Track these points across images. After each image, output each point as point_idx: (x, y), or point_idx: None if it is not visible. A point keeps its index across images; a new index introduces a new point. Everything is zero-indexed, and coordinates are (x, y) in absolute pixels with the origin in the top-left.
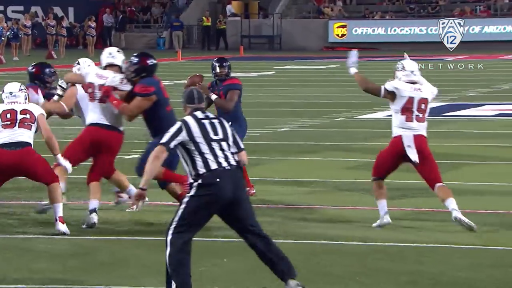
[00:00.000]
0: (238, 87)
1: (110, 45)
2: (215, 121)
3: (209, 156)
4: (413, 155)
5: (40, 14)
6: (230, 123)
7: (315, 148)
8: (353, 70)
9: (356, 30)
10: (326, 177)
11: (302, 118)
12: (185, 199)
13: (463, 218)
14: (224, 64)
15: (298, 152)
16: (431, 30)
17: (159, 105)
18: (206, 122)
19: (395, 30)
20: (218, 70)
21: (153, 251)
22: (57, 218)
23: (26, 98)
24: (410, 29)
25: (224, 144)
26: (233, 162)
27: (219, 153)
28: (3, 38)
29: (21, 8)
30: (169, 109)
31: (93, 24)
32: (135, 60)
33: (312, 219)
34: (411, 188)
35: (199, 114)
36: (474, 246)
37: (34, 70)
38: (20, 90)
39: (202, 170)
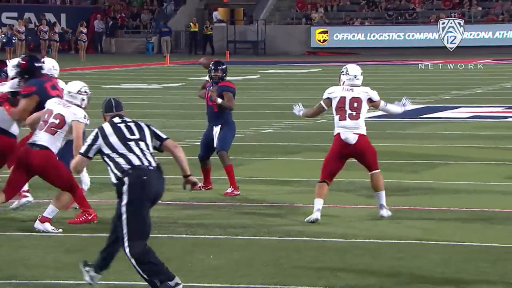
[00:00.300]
0: (231, 90)
1: (101, 50)
2: (131, 124)
3: (128, 155)
4: (351, 139)
5: (34, 20)
6: (220, 126)
7: (297, 149)
8: (299, 112)
9: (337, 36)
10: (308, 176)
11: (285, 120)
12: (123, 209)
13: (385, 215)
14: (219, 67)
15: (281, 153)
16: (408, 36)
17: (44, 103)
18: (122, 125)
19: (374, 36)
20: (212, 73)
21: None
22: (41, 215)
23: (83, 100)
24: (389, 35)
25: (142, 143)
26: (153, 163)
27: (137, 151)
28: None
29: (15, 14)
30: None
31: (85, 30)
32: (18, 63)
33: (295, 217)
34: (388, 188)
35: (116, 119)
36: (450, 242)
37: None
38: (78, 92)
39: (126, 166)
